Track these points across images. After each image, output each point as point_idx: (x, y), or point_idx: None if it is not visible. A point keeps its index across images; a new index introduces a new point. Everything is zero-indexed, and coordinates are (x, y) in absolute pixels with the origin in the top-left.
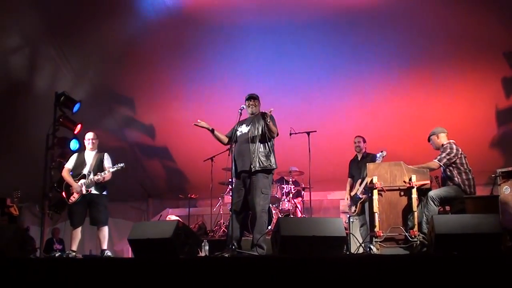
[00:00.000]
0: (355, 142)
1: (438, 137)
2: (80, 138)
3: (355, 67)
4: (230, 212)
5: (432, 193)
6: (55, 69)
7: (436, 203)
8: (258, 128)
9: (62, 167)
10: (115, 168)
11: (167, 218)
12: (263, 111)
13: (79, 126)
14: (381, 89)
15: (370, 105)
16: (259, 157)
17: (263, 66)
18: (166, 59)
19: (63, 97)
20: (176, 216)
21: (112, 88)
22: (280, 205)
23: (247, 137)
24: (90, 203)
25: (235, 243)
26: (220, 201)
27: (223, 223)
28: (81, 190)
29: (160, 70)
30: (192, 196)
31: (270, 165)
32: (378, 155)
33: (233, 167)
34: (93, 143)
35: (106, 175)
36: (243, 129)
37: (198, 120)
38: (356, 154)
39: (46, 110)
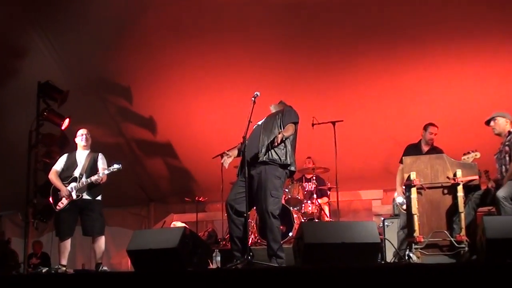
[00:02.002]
0: (430, 133)
1: (507, 121)
2: (69, 135)
3: (390, 44)
4: (227, 211)
5: (502, 193)
6: (38, 56)
7: (510, 202)
8: (276, 121)
9: (48, 168)
10: (111, 170)
11: (172, 225)
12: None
13: (67, 121)
14: (420, 70)
15: (407, 89)
16: (268, 147)
17: (282, 47)
18: (166, 41)
19: (48, 87)
20: (182, 222)
21: (104, 76)
22: (303, 208)
23: (260, 128)
24: (82, 210)
25: (252, 253)
26: None
27: None
28: (70, 195)
29: (160, 54)
30: (200, 199)
31: (281, 159)
32: (468, 156)
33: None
34: (86, 139)
35: (103, 176)
36: (260, 122)
37: (225, 155)
38: (420, 141)
39: (28, 103)
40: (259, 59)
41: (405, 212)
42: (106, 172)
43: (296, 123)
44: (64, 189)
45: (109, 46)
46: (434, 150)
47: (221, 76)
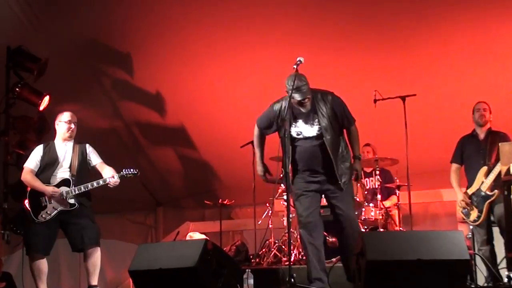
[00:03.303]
0: (477, 110)
1: None
2: (49, 117)
3: None
4: (299, 229)
5: None
6: (5, 11)
7: None
8: (327, 117)
9: (22, 163)
10: (126, 174)
11: (188, 237)
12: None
13: (46, 99)
14: None
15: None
16: (342, 167)
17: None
18: None
19: (20, 54)
20: (202, 233)
21: (96, 39)
22: (363, 213)
23: (315, 138)
24: (66, 220)
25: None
26: (269, 209)
27: (274, 242)
28: (64, 201)
29: (171, 11)
30: (225, 202)
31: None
32: None
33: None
34: (72, 129)
35: (114, 182)
36: (302, 128)
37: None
38: (475, 129)
39: None
40: (302, 14)
41: (475, 224)
42: (117, 177)
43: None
44: (50, 190)
45: (103, 2)
46: (497, 134)
47: (251, 40)
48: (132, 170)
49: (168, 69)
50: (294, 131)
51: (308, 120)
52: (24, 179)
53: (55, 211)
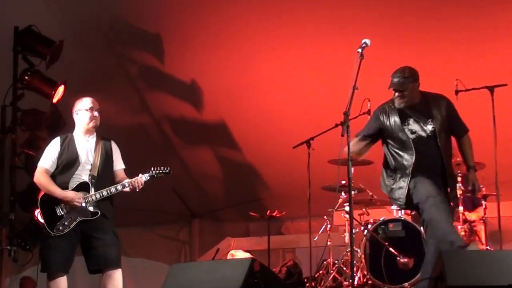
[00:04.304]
0: None
1: None
2: (64, 112)
3: None
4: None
5: None
6: None
7: None
8: (441, 120)
9: (32, 165)
10: (156, 174)
11: (229, 255)
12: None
13: (60, 89)
14: None
15: None
16: (451, 172)
17: None
18: None
19: (31, 35)
20: (246, 251)
21: (120, 18)
22: None
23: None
24: (87, 232)
25: None
26: (327, 222)
27: (334, 263)
28: (84, 209)
29: None
30: (274, 214)
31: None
32: None
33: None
34: (96, 118)
35: (139, 184)
36: (414, 127)
37: None
38: None
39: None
40: None
41: None
42: (145, 179)
43: None
44: (69, 196)
45: None
46: None
47: (304, 20)
48: (163, 168)
49: (206, 54)
50: (407, 130)
51: (420, 120)
52: (37, 181)
53: (74, 222)
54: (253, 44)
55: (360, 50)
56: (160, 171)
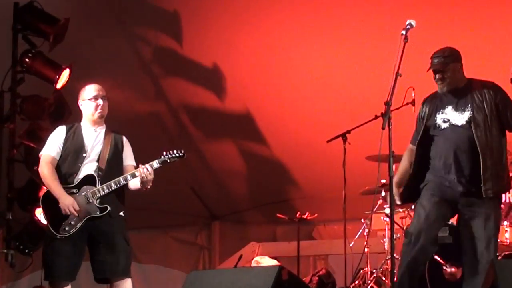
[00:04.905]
0: None
1: None
2: (70, 99)
3: None
4: (405, 242)
5: None
6: None
7: None
8: (482, 108)
9: (33, 157)
10: (170, 158)
11: (254, 263)
12: None
13: (65, 74)
14: None
15: None
16: (494, 171)
17: None
18: None
19: (32, 12)
20: (272, 258)
21: None
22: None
23: (465, 127)
24: (95, 235)
25: None
26: (364, 226)
27: (371, 272)
28: (92, 205)
29: None
30: (305, 216)
31: (505, 186)
32: None
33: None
34: (101, 106)
35: (147, 175)
36: (451, 115)
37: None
38: None
39: None
40: None
41: None
42: (157, 165)
43: None
44: (67, 200)
45: None
46: None
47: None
48: (176, 152)
49: (229, 35)
50: (439, 118)
51: (458, 107)
52: (41, 172)
53: (81, 222)
54: (283, 25)
55: (404, 32)
56: (174, 155)
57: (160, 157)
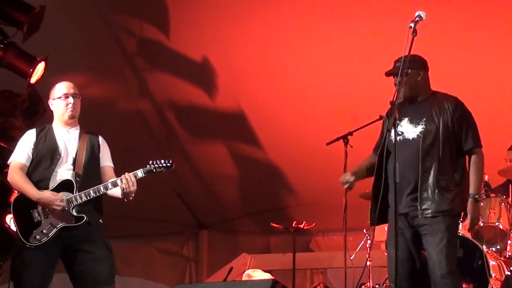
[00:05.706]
0: None
1: None
2: (44, 94)
3: None
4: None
5: None
6: None
7: None
8: (437, 122)
9: (4, 161)
10: (155, 168)
11: (245, 276)
12: None
13: (41, 67)
14: None
15: None
16: (437, 189)
17: None
18: None
19: None
20: (266, 271)
21: None
22: (508, 247)
23: (415, 141)
24: (71, 244)
25: None
26: (367, 237)
27: (374, 287)
28: (67, 213)
29: None
30: (302, 226)
31: (454, 208)
32: None
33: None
34: (72, 104)
35: (130, 184)
36: (405, 127)
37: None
38: None
39: None
40: None
41: None
42: (141, 174)
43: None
44: (46, 197)
45: None
46: None
47: None
48: (164, 162)
49: (220, 27)
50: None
51: (414, 119)
52: (11, 180)
53: (54, 229)
54: (281, 14)
55: (412, 24)
56: (160, 165)
57: (146, 166)
